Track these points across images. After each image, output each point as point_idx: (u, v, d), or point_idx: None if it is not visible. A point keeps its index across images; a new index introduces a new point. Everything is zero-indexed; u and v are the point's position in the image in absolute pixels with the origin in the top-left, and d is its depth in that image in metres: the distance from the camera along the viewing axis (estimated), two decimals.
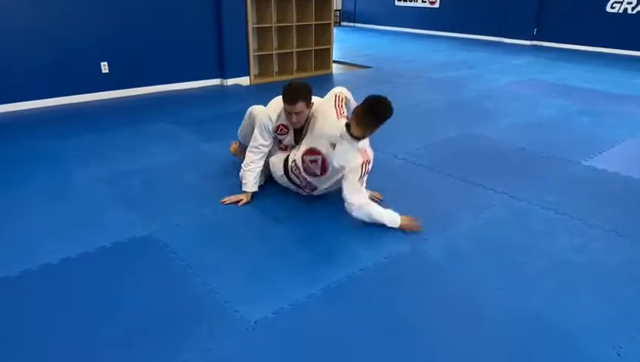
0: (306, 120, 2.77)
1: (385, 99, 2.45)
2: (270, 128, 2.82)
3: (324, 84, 6.30)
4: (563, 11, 9.10)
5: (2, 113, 4.61)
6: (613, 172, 3.35)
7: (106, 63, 5.11)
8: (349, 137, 2.47)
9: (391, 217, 2.58)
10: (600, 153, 3.70)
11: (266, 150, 2.89)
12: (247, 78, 6.03)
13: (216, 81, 5.93)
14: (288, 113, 2.69)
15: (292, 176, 2.84)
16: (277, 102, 2.80)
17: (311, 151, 2.65)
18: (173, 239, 2.47)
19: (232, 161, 3.48)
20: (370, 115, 2.42)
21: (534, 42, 9.60)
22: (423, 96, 5.56)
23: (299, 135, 2.84)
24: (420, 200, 2.92)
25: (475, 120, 4.59)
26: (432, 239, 2.51)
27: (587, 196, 2.99)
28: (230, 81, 5.91)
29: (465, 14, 10.66)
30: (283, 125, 2.82)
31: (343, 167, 2.53)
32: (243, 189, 2.87)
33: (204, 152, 3.70)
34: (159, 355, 1.73)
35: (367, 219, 2.57)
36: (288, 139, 2.89)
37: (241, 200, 2.84)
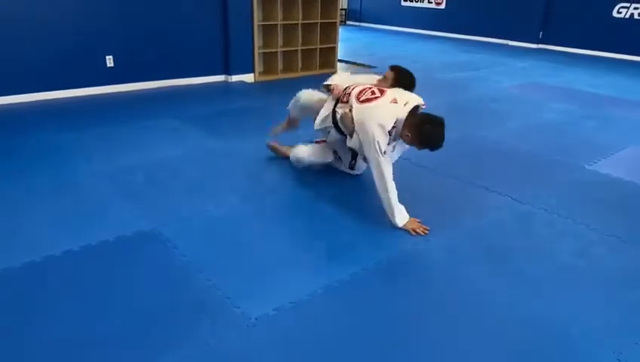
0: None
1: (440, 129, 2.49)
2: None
3: None
4: (569, 15, 9.07)
5: (9, 104, 4.61)
6: (616, 177, 3.34)
7: (111, 57, 5.11)
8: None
9: (401, 212, 2.58)
10: (604, 158, 3.69)
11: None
12: (252, 75, 6.02)
13: (220, 78, 5.93)
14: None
15: (340, 124, 2.84)
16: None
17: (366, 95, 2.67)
18: (175, 234, 2.47)
19: (236, 158, 3.49)
20: (425, 139, 2.51)
21: (540, 45, 9.57)
22: (426, 97, 5.47)
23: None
24: (423, 202, 2.92)
25: (478, 122, 4.59)
26: (435, 240, 2.50)
27: (590, 201, 2.99)
28: (235, 78, 5.91)
29: (471, 16, 10.64)
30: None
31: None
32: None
33: (209, 148, 3.70)
34: (159, 350, 1.73)
35: (381, 192, 2.58)
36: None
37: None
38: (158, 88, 5.45)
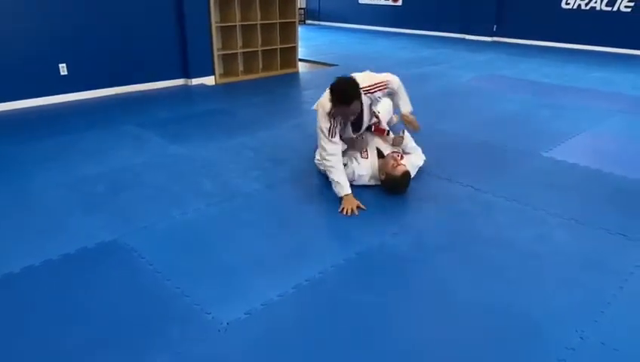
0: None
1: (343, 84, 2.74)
2: (335, 131, 2.81)
3: (291, 82, 6.30)
4: (521, 8, 9.35)
5: None
6: (572, 163, 3.47)
7: (64, 65, 4.95)
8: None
9: (338, 187, 2.79)
10: (560, 145, 3.82)
11: (340, 151, 2.88)
12: (212, 77, 5.95)
13: (180, 81, 5.83)
14: (344, 114, 2.76)
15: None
16: (327, 104, 2.77)
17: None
18: (140, 243, 2.42)
19: (199, 162, 3.44)
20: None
21: (495, 38, 9.83)
22: None
23: (358, 121, 2.97)
24: (386, 195, 2.95)
25: (438, 115, 4.67)
26: (401, 233, 2.54)
27: (548, 187, 3.09)
28: (195, 81, 5.82)
29: (427, 12, 10.82)
30: (342, 121, 2.86)
31: None
32: (342, 194, 2.77)
33: (171, 154, 3.64)
34: (129, 360, 1.69)
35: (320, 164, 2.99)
36: (347, 131, 3.00)
37: (357, 205, 2.74)
38: (115, 95, 5.31)
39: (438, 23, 10.66)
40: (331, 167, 2.81)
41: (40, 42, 4.75)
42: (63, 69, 4.95)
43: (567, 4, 8.82)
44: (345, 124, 2.92)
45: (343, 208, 2.72)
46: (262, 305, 1.98)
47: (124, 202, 2.86)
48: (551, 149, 3.72)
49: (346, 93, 2.67)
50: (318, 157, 3.11)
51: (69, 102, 5.01)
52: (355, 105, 2.71)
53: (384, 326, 1.89)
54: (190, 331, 1.83)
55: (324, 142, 2.82)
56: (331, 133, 2.80)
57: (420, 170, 3.30)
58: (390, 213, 2.72)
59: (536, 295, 2.07)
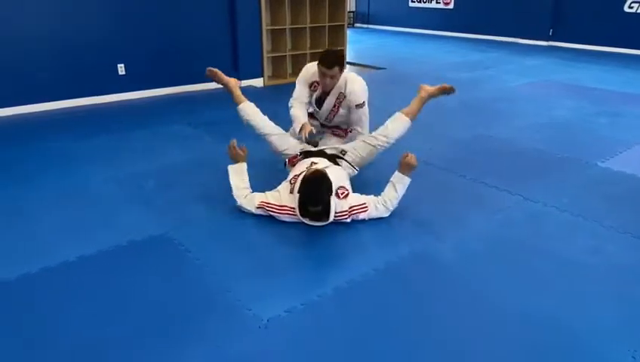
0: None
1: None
2: (308, 81, 3.13)
3: None
4: (580, 11, 8.98)
5: (20, 114, 4.70)
6: (629, 174, 3.30)
7: (122, 65, 5.18)
8: None
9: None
10: (617, 155, 3.65)
11: (306, 102, 3.19)
12: (261, 79, 6.06)
13: None
14: (323, 75, 2.98)
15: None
16: (315, 64, 3.07)
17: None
18: (187, 238, 2.50)
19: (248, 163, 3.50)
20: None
21: (550, 43, 9.50)
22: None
23: (325, 95, 3.15)
24: (433, 201, 2.91)
25: (489, 121, 4.57)
26: (445, 240, 2.50)
27: (603, 198, 2.96)
28: (244, 83, 5.94)
29: (479, 15, 10.59)
30: (316, 82, 3.11)
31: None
32: (298, 128, 3.07)
33: (219, 153, 3.72)
34: (170, 352, 1.75)
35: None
36: (314, 98, 3.20)
37: (308, 129, 3.04)
38: (168, 95, 5.51)
39: (490, 26, 10.40)
40: (291, 107, 3.16)
41: (101, 44, 5.00)
42: (121, 68, 5.18)
43: (630, 7, 8.40)
44: (317, 88, 3.13)
45: (302, 131, 3.01)
46: (302, 304, 1.99)
47: (172, 198, 2.96)
48: (607, 159, 3.56)
49: (330, 56, 2.96)
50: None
51: (125, 100, 5.24)
52: (334, 71, 2.95)
53: (422, 332, 1.87)
54: (231, 326, 1.88)
55: (297, 82, 3.17)
56: (307, 84, 3.13)
57: (468, 177, 3.24)
58: (433, 219, 2.69)
59: (585, 309, 1.99)
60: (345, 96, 3.10)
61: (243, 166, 2.84)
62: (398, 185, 2.66)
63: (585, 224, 2.66)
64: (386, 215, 2.67)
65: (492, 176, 3.26)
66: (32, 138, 4.06)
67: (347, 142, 3.19)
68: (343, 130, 3.38)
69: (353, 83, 3.09)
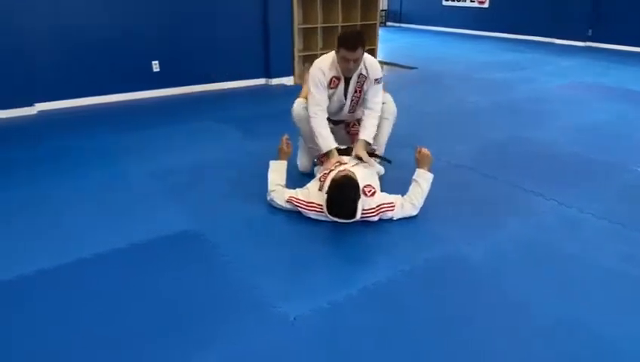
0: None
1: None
2: (325, 83, 2.84)
3: None
4: (620, 12, 8.68)
5: (60, 109, 4.85)
6: None
7: (157, 62, 5.29)
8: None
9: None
10: None
11: (326, 106, 2.91)
12: (292, 77, 6.08)
13: (261, 81, 6.02)
14: (346, 60, 2.72)
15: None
16: (326, 57, 2.86)
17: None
18: (216, 234, 2.52)
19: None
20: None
21: (588, 43, 9.21)
22: (468, 97, 5.44)
23: (347, 86, 2.91)
24: (465, 204, 2.86)
25: (524, 122, 4.46)
26: (477, 244, 2.45)
27: None
28: (275, 81, 5.98)
29: (515, 14, 10.36)
30: (335, 77, 2.86)
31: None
32: (325, 150, 2.85)
33: (249, 150, 3.76)
34: (195, 346, 1.77)
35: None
36: (338, 94, 2.94)
37: (334, 162, 2.78)
38: (201, 92, 5.59)
39: (526, 25, 10.17)
40: (314, 117, 2.85)
41: (137, 41, 5.11)
42: (155, 65, 5.29)
43: None
44: (338, 84, 2.88)
45: (328, 161, 2.76)
46: (328, 303, 1.99)
47: (203, 193, 2.99)
48: None
49: (352, 37, 2.69)
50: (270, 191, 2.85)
51: (158, 97, 5.35)
52: (359, 53, 2.70)
53: (449, 338, 1.84)
54: (257, 322, 1.88)
55: (313, 88, 2.83)
56: (324, 84, 2.83)
57: (501, 180, 3.17)
58: (466, 222, 2.64)
59: (617, 317, 1.92)
60: (366, 76, 2.87)
61: (284, 164, 2.88)
62: (421, 181, 2.66)
63: (622, 231, 2.56)
64: (415, 213, 2.65)
65: (526, 179, 3.18)
66: (72, 131, 4.19)
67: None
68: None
69: (370, 59, 2.89)
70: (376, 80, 2.90)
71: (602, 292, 2.09)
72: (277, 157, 2.89)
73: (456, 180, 3.22)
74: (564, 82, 6.17)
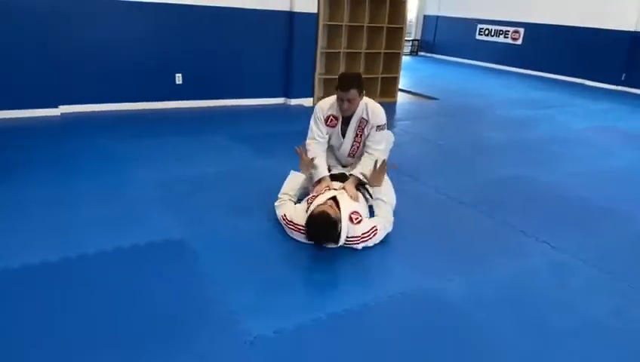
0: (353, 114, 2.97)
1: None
2: (322, 118, 3.00)
3: (386, 111, 6.28)
4: None
5: (82, 112, 5.04)
6: None
7: (180, 75, 5.46)
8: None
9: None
10: None
11: (324, 141, 3.05)
12: (311, 99, 6.17)
13: (280, 100, 6.12)
14: (340, 100, 2.86)
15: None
16: (328, 98, 3.04)
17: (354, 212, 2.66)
18: (202, 246, 2.56)
19: (280, 178, 3.56)
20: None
21: (621, 87, 9.01)
22: (485, 132, 5.40)
23: (345, 126, 3.02)
24: (452, 239, 2.83)
25: (536, 162, 4.39)
26: (458, 280, 2.41)
27: (638, 257, 2.75)
28: (294, 101, 6.08)
29: (548, 52, 10.26)
30: (333, 116, 3.00)
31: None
32: (316, 179, 2.93)
33: (256, 167, 3.82)
34: (153, 358, 1.78)
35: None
36: (335, 133, 3.06)
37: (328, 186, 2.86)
38: (220, 107, 5.73)
39: (557, 65, 10.04)
40: (310, 147, 3.01)
41: (163, 54, 5.30)
42: (178, 78, 5.46)
43: None
44: (336, 123, 3.01)
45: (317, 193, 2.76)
46: (294, 325, 1.99)
47: (200, 206, 3.05)
48: None
49: (346, 78, 2.87)
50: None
51: (178, 108, 5.51)
52: (352, 94, 2.82)
53: None
54: (218, 338, 1.89)
55: (312, 123, 3.03)
56: (322, 120, 3.00)
57: (497, 218, 3.12)
58: (450, 257, 2.60)
59: None
60: (367, 121, 2.95)
61: (301, 177, 3.00)
62: (382, 196, 2.86)
63: (613, 283, 2.47)
64: (390, 228, 2.76)
65: (523, 219, 3.12)
66: (89, 135, 4.34)
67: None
68: None
69: (374, 105, 2.98)
70: (378, 126, 2.97)
71: (582, 345, 2.01)
72: (299, 170, 3.03)
73: (450, 214, 3.19)
74: (588, 125, 6.04)
